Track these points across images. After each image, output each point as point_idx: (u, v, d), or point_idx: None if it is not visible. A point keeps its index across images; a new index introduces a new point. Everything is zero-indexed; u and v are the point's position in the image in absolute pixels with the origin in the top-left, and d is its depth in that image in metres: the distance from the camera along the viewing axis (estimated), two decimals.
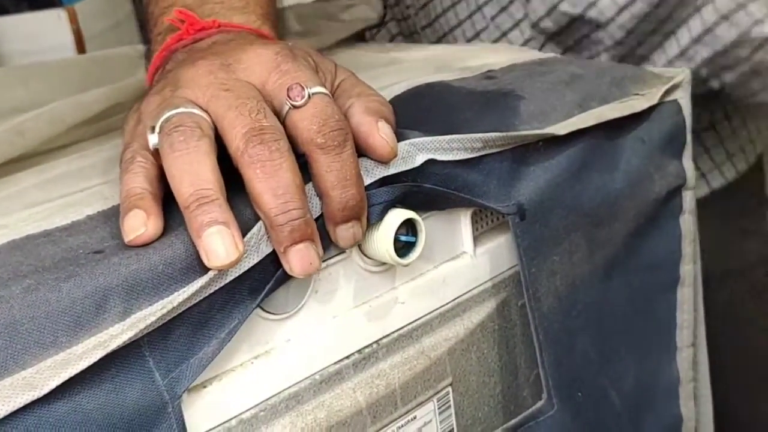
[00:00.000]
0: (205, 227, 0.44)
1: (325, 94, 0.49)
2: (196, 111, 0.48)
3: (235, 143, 0.46)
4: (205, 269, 0.45)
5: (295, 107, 0.48)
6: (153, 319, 0.42)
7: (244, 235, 0.45)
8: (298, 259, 0.46)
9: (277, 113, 0.49)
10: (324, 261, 0.51)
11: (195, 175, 0.45)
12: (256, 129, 0.46)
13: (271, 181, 0.45)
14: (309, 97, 0.48)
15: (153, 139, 0.48)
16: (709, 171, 0.97)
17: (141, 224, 0.45)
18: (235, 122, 0.47)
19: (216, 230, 0.44)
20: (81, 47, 1.41)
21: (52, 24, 1.40)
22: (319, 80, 0.50)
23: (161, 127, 0.48)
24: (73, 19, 1.40)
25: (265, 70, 0.50)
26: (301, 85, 0.48)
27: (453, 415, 0.59)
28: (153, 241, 0.45)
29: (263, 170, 0.45)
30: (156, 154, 0.48)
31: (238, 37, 0.56)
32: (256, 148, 0.46)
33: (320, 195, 0.48)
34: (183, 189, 0.45)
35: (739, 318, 1.02)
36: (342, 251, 0.52)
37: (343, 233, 0.48)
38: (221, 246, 0.44)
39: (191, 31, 0.58)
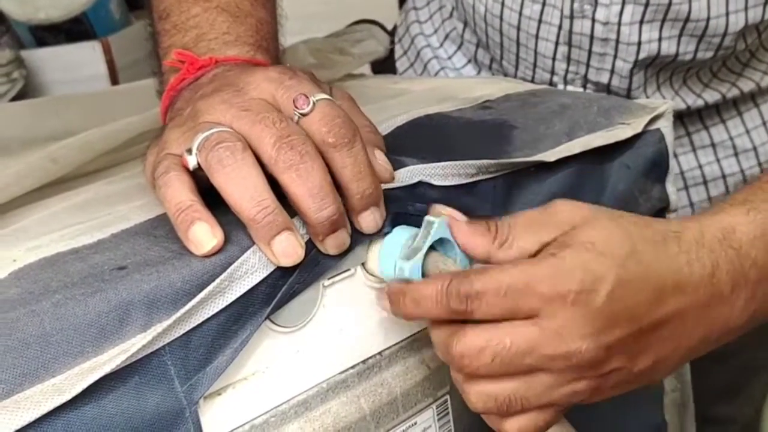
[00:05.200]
0: (275, 235, 0.46)
1: (329, 99, 0.50)
2: (229, 129, 0.49)
3: (267, 153, 0.47)
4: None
5: (303, 115, 0.49)
6: (168, 323, 0.43)
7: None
8: (333, 242, 0.49)
9: None
10: (330, 278, 0.52)
11: (252, 189, 0.46)
12: (284, 137, 0.47)
13: (307, 184, 0.47)
14: (314, 104, 0.49)
15: (192, 160, 0.48)
16: None
17: (210, 235, 0.46)
18: (263, 134, 0.48)
19: (284, 237, 0.47)
20: (114, 76, 1.42)
21: (87, 55, 1.41)
22: (320, 89, 0.51)
23: (200, 147, 0.48)
24: (107, 51, 1.41)
25: (272, 86, 0.51)
26: (305, 95, 0.49)
27: (451, 421, 0.60)
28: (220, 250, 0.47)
29: (298, 174, 0.47)
30: (189, 172, 0.49)
31: (235, 68, 0.57)
32: (288, 154, 0.47)
33: (341, 188, 0.49)
34: (245, 203, 0.46)
35: None
36: (347, 270, 0.53)
37: (365, 220, 0.50)
38: (291, 248, 0.47)
39: (192, 70, 0.58)
